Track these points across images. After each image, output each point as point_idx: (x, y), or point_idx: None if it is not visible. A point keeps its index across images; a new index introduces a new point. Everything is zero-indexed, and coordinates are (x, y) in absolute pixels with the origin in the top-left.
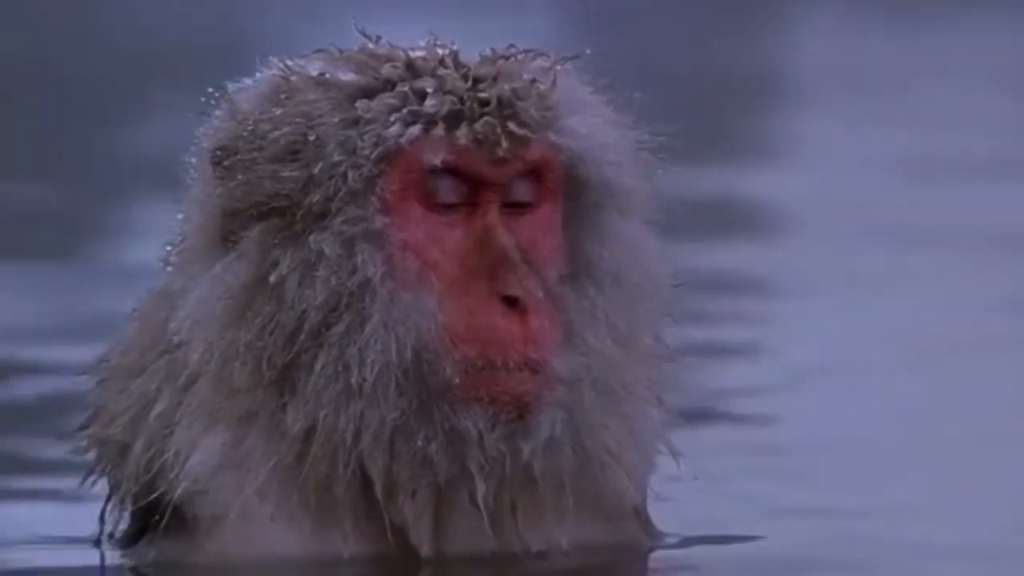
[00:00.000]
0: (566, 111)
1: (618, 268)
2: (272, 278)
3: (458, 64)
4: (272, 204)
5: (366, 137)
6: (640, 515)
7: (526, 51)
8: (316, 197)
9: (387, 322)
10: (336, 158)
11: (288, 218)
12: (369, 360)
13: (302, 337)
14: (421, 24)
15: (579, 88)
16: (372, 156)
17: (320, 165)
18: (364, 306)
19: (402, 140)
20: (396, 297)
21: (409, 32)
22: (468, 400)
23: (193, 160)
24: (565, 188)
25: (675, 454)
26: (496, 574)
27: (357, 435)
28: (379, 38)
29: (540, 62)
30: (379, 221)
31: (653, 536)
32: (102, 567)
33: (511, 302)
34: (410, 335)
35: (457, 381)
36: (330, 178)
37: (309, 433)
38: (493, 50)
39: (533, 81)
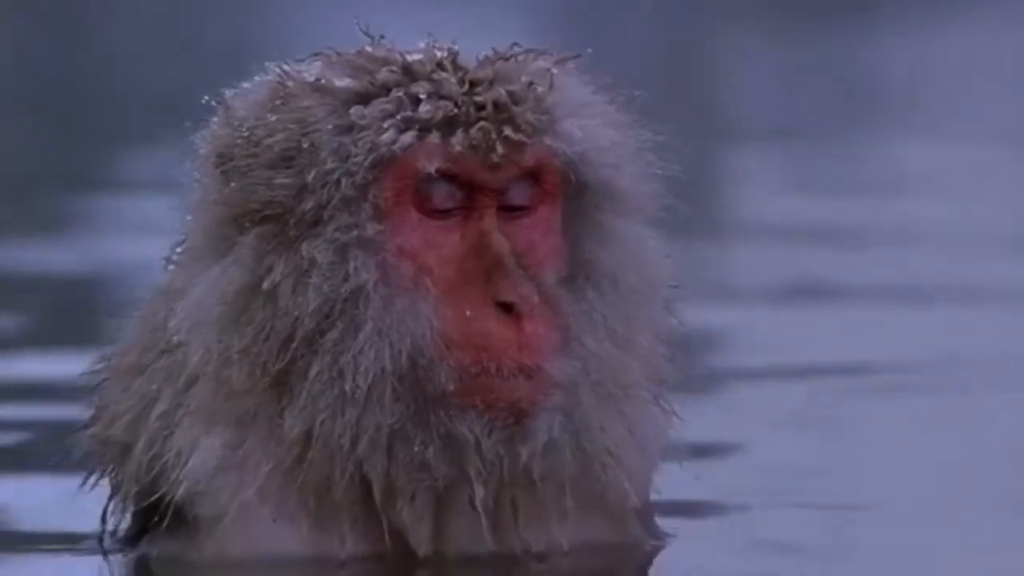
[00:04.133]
0: (564, 113)
1: (616, 269)
2: (266, 284)
3: (456, 66)
4: (266, 211)
5: (360, 144)
6: (642, 515)
7: (527, 51)
8: (309, 204)
9: (381, 328)
10: (330, 165)
11: (282, 225)
12: (363, 367)
13: (296, 343)
14: (430, 16)
15: (579, 89)
16: (366, 163)
17: (314, 172)
18: (358, 313)
19: (396, 147)
20: (390, 303)
21: (418, 24)
22: (464, 406)
23: (193, 164)
24: (564, 190)
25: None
26: (497, 575)
27: (354, 440)
28: (381, 37)
29: (540, 63)
30: (372, 228)
31: (656, 535)
32: (104, 566)
33: (506, 308)
34: (404, 341)
35: (452, 387)
36: (323, 185)
37: (307, 437)
38: (495, 50)
39: (531, 84)
